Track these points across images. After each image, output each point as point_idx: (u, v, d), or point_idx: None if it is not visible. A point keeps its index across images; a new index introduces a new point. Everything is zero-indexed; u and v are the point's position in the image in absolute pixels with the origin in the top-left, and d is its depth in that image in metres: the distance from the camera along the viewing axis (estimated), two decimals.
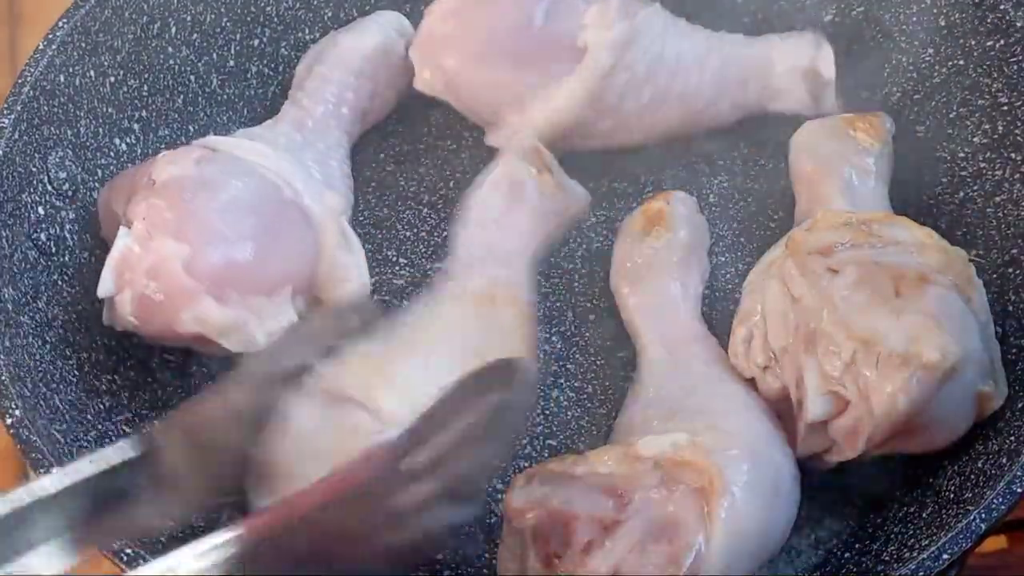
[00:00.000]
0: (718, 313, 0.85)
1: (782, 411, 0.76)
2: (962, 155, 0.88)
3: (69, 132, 0.85)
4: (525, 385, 0.69)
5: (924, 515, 0.74)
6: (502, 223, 0.86)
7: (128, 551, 0.67)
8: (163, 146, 0.92)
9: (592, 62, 0.88)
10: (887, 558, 0.72)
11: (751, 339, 0.78)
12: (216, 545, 0.57)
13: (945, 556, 0.66)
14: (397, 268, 0.91)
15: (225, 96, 0.96)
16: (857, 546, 0.76)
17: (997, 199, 0.84)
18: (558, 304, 0.89)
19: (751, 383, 0.78)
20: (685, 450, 0.70)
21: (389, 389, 0.72)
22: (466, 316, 0.80)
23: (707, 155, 0.95)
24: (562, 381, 0.86)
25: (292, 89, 0.93)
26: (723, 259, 0.89)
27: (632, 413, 0.78)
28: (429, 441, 0.64)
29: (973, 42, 0.87)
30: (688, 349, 0.81)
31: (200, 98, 0.94)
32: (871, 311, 0.72)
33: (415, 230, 0.93)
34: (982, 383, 0.73)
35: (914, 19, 0.91)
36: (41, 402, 0.74)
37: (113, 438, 0.78)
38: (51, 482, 0.61)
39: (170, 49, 0.92)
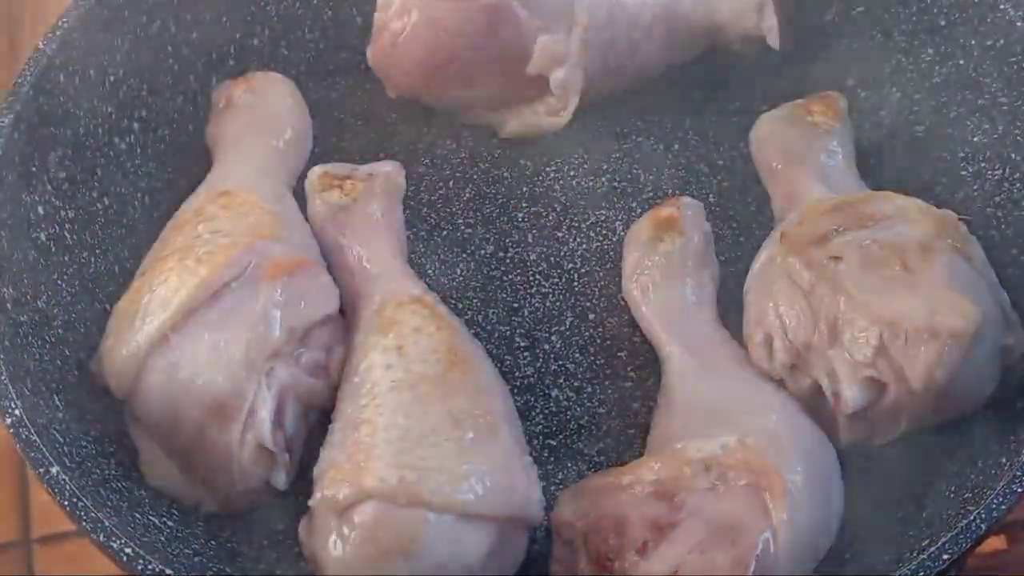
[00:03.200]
0: (720, 313, 0.85)
1: (815, 406, 0.77)
2: (962, 155, 0.88)
3: (69, 132, 0.85)
4: None
5: (924, 515, 0.74)
6: (351, 247, 0.86)
7: (128, 551, 0.67)
8: (162, 146, 0.92)
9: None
10: (887, 558, 0.72)
11: (771, 341, 0.78)
12: None
13: (945, 556, 0.66)
14: None
15: None
16: (857, 546, 0.76)
17: (997, 199, 0.84)
18: (558, 304, 0.89)
19: (780, 383, 0.78)
20: (736, 452, 0.70)
21: (368, 469, 0.70)
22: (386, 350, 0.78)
23: (707, 155, 0.95)
24: (562, 381, 0.86)
25: None
26: (723, 259, 0.89)
27: (668, 421, 0.78)
28: None
29: (973, 42, 0.87)
30: (714, 352, 0.81)
31: (200, 98, 0.94)
32: (886, 291, 0.73)
33: (414, 229, 0.92)
34: (1003, 336, 0.74)
35: (914, 19, 0.91)
36: (41, 402, 0.74)
37: (113, 438, 0.78)
38: None
39: (170, 49, 0.92)
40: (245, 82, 0.93)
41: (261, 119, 0.92)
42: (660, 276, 0.85)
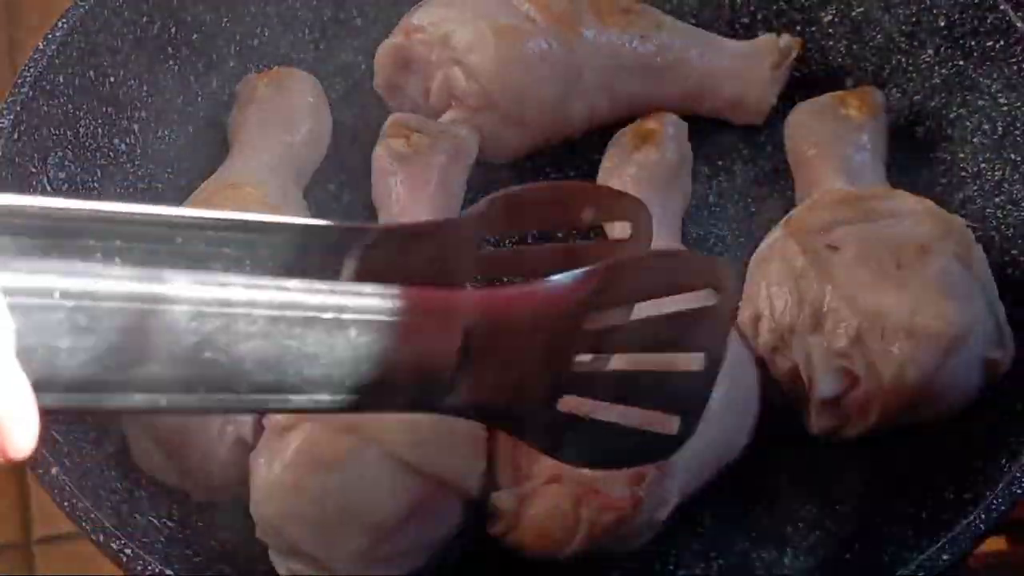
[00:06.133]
0: None
1: (793, 391, 0.77)
2: (962, 155, 0.88)
3: (69, 132, 0.85)
4: (733, 289, 0.61)
5: (924, 515, 0.74)
6: (411, 195, 0.85)
7: (128, 551, 0.67)
8: (163, 147, 0.92)
9: None
10: (887, 558, 0.72)
11: (758, 320, 0.78)
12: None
13: (945, 556, 0.66)
14: None
15: (225, 96, 0.96)
16: (857, 546, 0.76)
17: (997, 199, 0.84)
18: None
19: (761, 364, 0.78)
20: None
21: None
22: None
23: (707, 155, 0.95)
24: None
25: None
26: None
27: None
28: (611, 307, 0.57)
29: (973, 42, 0.87)
30: None
31: (200, 98, 0.94)
32: (874, 286, 0.74)
33: None
34: (989, 350, 0.74)
35: (914, 19, 0.91)
36: None
37: (113, 438, 0.78)
38: None
39: (170, 49, 0.92)
40: (268, 76, 0.94)
41: (279, 114, 0.92)
42: (630, 185, 0.85)
